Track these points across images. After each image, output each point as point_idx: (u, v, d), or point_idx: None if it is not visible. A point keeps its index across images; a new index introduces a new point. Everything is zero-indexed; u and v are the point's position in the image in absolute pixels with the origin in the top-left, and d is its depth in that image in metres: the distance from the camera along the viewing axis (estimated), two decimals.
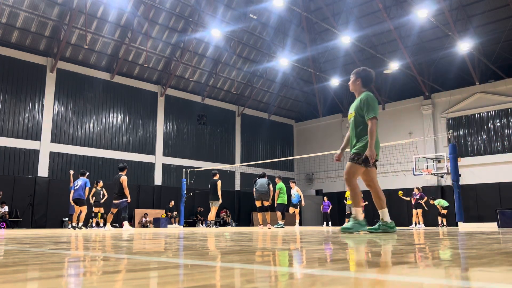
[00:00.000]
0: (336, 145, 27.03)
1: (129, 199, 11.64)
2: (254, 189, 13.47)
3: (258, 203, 13.27)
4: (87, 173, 13.24)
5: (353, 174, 5.12)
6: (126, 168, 11.84)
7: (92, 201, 14.98)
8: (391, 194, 24.27)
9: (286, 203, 14.09)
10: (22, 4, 17.54)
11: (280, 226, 13.61)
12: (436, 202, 19.03)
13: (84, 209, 12.61)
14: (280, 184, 13.96)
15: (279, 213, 13.92)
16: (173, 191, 21.85)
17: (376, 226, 5.27)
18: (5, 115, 17.75)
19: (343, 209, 20.26)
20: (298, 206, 15.35)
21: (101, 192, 15.32)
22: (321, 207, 20.91)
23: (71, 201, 12.85)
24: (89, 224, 15.50)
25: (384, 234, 4.90)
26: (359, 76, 5.30)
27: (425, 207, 18.41)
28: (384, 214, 5.22)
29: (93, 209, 15.27)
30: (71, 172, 15.43)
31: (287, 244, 2.99)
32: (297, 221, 15.37)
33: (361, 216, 5.15)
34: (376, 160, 5.10)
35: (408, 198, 18.85)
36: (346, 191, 19.08)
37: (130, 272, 1.38)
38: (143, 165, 21.79)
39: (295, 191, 15.32)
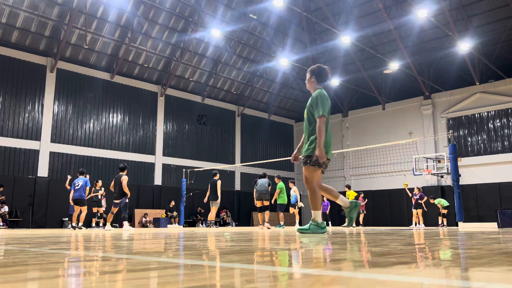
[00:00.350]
0: (336, 145, 27.03)
1: (128, 194, 11.61)
2: (254, 189, 13.44)
3: (258, 203, 13.26)
4: (87, 175, 13.26)
5: (311, 177, 4.86)
6: (126, 168, 11.85)
7: (99, 194, 15.09)
8: (391, 194, 24.32)
9: (286, 202, 14.06)
10: (22, 4, 17.54)
11: (281, 226, 13.62)
12: (436, 201, 19.03)
13: (85, 209, 12.61)
14: (281, 184, 13.94)
15: (281, 214, 13.94)
16: (173, 191, 21.85)
17: (306, 226, 5.12)
18: (5, 115, 17.75)
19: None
20: (297, 206, 15.38)
21: (100, 191, 15.36)
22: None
23: (71, 201, 12.85)
24: (95, 224, 15.58)
25: (314, 234, 4.79)
26: (314, 74, 5.11)
27: (425, 208, 18.42)
28: (317, 215, 5.01)
29: (93, 209, 15.28)
30: (69, 177, 15.30)
31: (287, 244, 2.99)
32: (297, 221, 15.37)
33: (320, 218, 4.93)
34: (328, 160, 4.89)
35: (410, 194, 18.87)
36: (345, 191, 19.13)
37: (130, 272, 1.38)
38: (143, 165, 21.79)
39: (293, 191, 15.36)
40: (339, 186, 25.52)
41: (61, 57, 19.28)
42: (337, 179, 25.82)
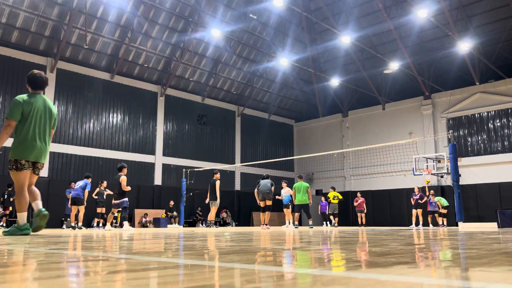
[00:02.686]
0: (336, 145, 27.03)
1: (129, 189, 11.55)
2: (256, 190, 13.45)
3: (262, 204, 13.34)
4: (90, 178, 13.37)
5: (15, 180, 5.19)
6: (124, 168, 11.68)
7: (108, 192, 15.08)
8: (391, 194, 24.32)
9: (305, 203, 14.07)
10: (22, 4, 17.54)
11: (310, 226, 13.99)
12: (436, 198, 19.03)
13: (82, 208, 12.61)
14: (297, 184, 14.21)
15: (296, 214, 14.33)
16: (173, 191, 21.84)
17: (9, 229, 5.29)
18: (5, 115, 17.72)
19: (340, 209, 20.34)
20: (290, 206, 15.46)
21: (104, 192, 15.35)
22: (319, 208, 20.93)
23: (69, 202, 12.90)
24: (96, 224, 15.59)
25: (15, 236, 4.92)
26: (27, 81, 5.32)
27: (441, 210, 18.52)
28: (20, 217, 5.22)
29: (98, 209, 15.28)
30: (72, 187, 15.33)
31: (286, 244, 2.99)
32: (290, 220, 15.32)
33: (23, 220, 5.18)
34: (38, 163, 5.20)
35: (428, 193, 19.08)
36: (328, 192, 19.87)
37: (130, 272, 1.38)
38: (143, 165, 21.78)
39: (286, 192, 15.45)
40: (340, 186, 25.56)
41: (61, 57, 19.28)
42: (337, 179, 25.84)
